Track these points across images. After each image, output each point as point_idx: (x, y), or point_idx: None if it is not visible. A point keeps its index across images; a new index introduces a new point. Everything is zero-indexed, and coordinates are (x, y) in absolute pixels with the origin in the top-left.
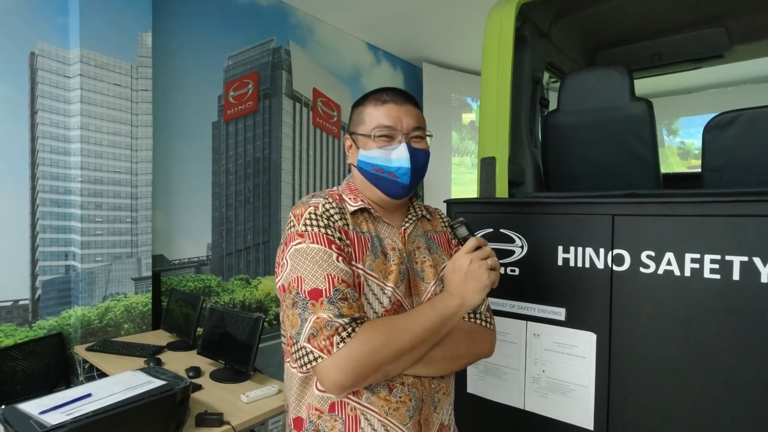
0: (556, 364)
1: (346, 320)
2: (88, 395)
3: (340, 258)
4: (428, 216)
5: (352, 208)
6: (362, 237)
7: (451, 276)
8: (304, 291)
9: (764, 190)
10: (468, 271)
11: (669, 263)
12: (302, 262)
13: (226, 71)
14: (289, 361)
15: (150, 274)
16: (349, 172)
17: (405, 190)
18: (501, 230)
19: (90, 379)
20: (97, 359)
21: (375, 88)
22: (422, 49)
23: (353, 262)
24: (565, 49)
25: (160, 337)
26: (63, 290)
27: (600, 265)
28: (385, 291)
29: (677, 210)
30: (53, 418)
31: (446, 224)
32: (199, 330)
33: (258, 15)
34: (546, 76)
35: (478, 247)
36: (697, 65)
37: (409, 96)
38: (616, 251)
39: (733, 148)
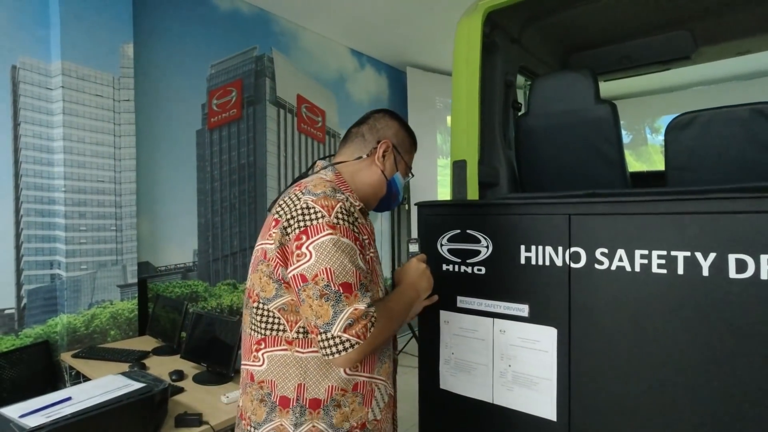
0: (521, 358)
1: (374, 308)
2: (68, 399)
3: (360, 256)
4: None
5: (357, 207)
6: (367, 229)
7: (407, 273)
8: (336, 284)
9: (705, 188)
10: (423, 272)
11: (621, 260)
12: (333, 254)
13: (209, 79)
14: (294, 349)
15: (136, 281)
16: (325, 161)
17: (386, 210)
18: (467, 231)
19: (76, 385)
20: (84, 366)
21: (412, 130)
22: (406, 53)
23: (367, 250)
24: (537, 53)
25: (146, 343)
26: (49, 298)
27: (559, 262)
28: (382, 274)
29: (627, 209)
30: (32, 421)
31: None
32: (183, 334)
33: (240, 23)
34: (522, 79)
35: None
36: (666, 67)
37: None
38: (573, 249)
39: (693, 147)
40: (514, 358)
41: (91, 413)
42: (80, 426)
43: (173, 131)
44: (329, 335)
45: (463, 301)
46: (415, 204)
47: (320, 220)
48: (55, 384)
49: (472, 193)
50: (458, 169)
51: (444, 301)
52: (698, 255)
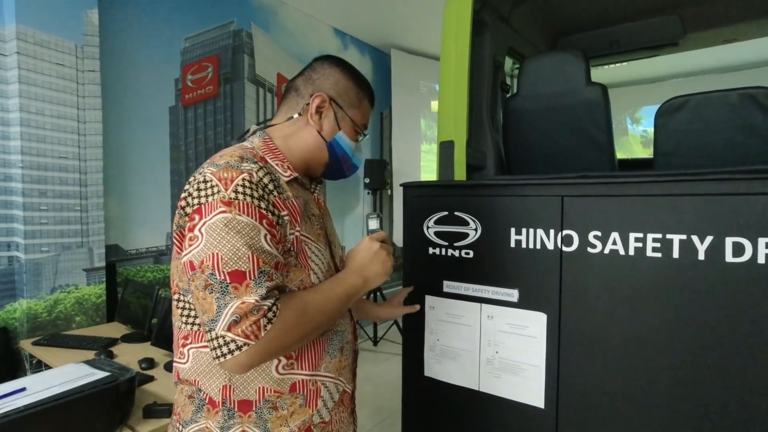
0: (509, 345)
1: (272, 300)
2: (22, 389)
3: (268, 237)
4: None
5: (286, 178)
6: (294, 203)
7: (355, 255)
8: (223, 273)
9: (702, 170)
10: (376, 253)
11: (614, 243)
12: (224, 236)
13: (183, 53)
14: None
15: (103, 264)
16: (258, 127)
17: (339, 178)
18: (455, 213)
19: (33, 375)
20: (45, 354)
21: (365, 79)
22: (391, 35)
23: (290, 229)
24: (526, 34)
25: (114, 330)
26: (6, 282)
27: (550, 246)
28: (324, 254)
29: (622, 190)
30: None
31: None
32: (155, 321)
33: None
34: (510, 62)
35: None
36: (654, 53)
37: None
38: (565, 232)
39: (683, 132)
40: (501, 344)
41: (47, 405)
42: (35, 419)
43: (144, 107)
44: (213, 334)
45: (449, 286)
46: (401, 185)
47: (215, 196)
48: (14, 373)
49: (459, 175)
50: (445, 149)
51: (430, 285)
52: (694, 238)
